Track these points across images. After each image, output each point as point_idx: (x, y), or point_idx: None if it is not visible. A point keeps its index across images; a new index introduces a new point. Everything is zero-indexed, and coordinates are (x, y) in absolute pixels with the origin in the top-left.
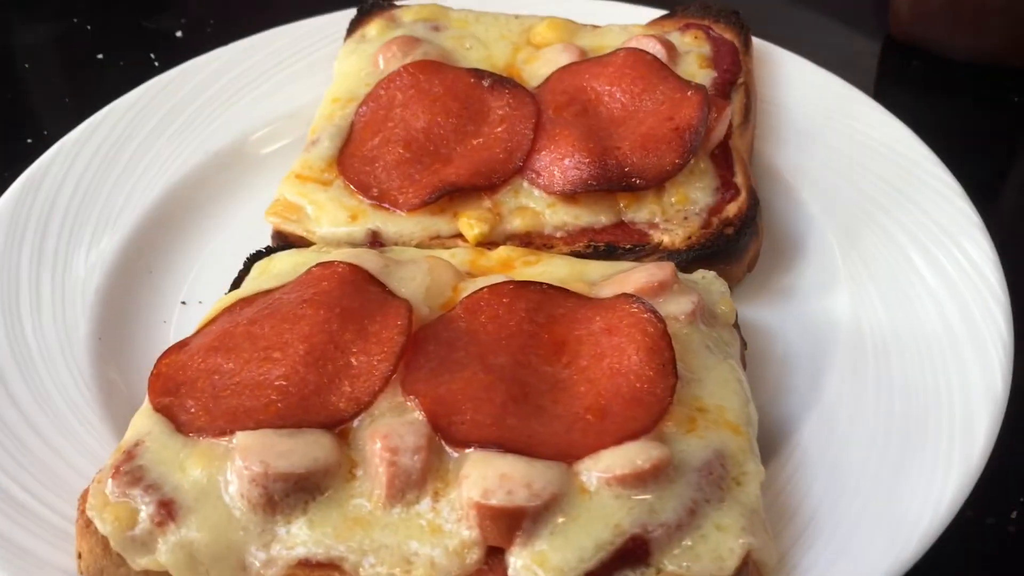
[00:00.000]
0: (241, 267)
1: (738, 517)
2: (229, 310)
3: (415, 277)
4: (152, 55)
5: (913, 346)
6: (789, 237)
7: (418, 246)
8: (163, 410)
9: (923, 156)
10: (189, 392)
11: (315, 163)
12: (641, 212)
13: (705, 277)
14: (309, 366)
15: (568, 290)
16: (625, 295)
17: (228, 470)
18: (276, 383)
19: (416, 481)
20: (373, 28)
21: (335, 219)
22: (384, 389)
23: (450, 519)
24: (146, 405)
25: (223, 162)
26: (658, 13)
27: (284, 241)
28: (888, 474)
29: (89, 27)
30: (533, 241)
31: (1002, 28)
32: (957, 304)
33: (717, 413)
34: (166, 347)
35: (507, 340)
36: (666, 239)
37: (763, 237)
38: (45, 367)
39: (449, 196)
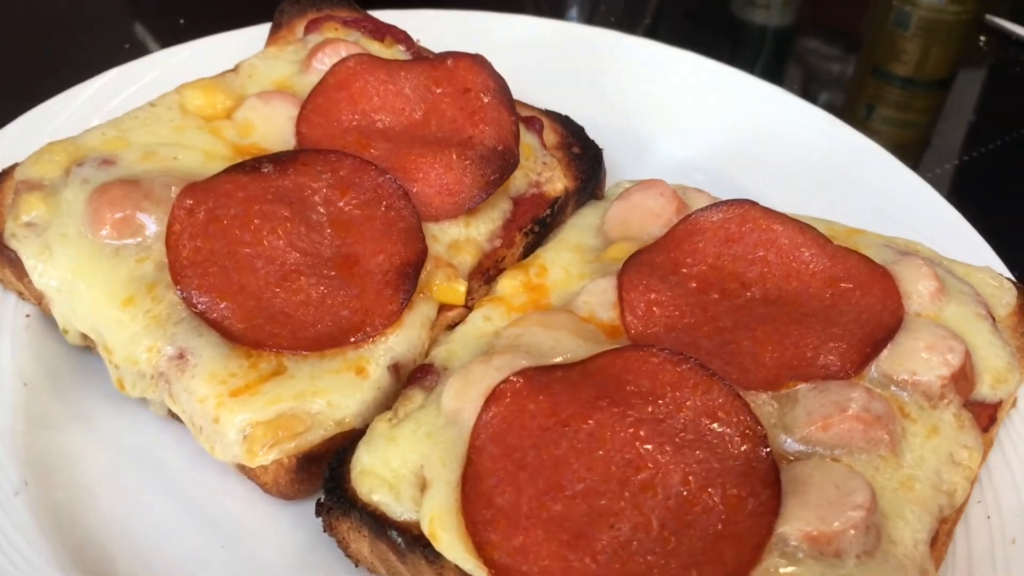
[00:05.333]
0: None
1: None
2: (493, 486)
3: (560, 339)
4: None
5: None
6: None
7: (431, 344)
8: None
9: (670, 51)
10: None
11: (225, 367)
12: (518, 182)
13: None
14: (684, 447)
15: (653, 244)
16: (693, 213)
17: None
18: (690, 497)
19: (886, 418)
20: (32, 210)
21: (351, 387)
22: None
23: (925, 415)
24: None
25: None
26: (254, 32)
27: (308, 455)
28: None
29: None
30: (483, 264)
31: None
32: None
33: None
34: None
35: (705, 307)
36: (559, 186)
37: None
38: None
39: None
